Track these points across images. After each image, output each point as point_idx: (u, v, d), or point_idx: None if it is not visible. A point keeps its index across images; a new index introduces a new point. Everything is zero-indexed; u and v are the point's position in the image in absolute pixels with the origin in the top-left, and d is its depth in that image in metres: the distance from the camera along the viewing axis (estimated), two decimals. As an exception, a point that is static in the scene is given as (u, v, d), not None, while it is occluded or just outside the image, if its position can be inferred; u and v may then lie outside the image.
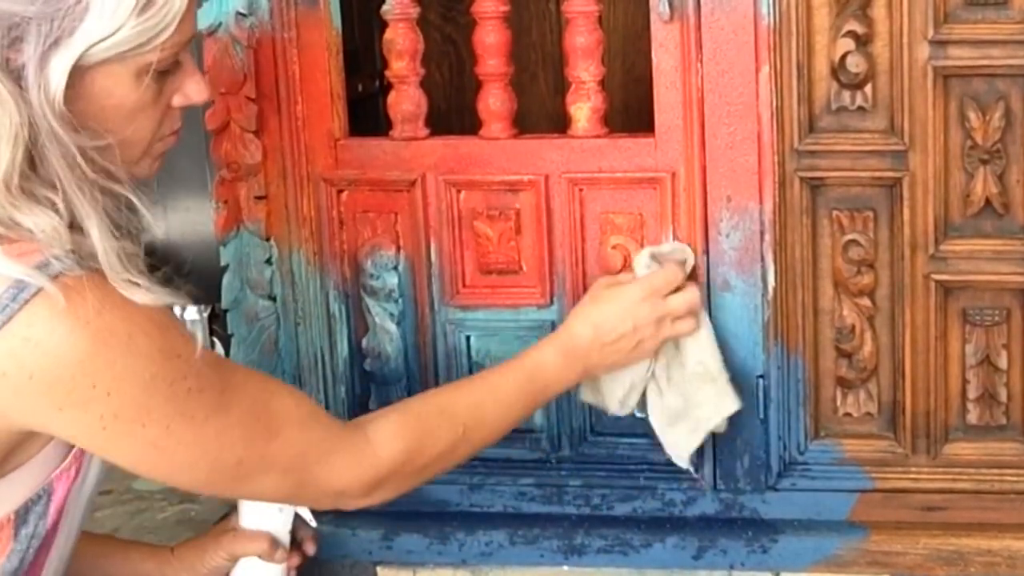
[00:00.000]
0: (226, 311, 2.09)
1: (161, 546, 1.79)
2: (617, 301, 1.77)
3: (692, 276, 1.89)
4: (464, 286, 2.01)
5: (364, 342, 2.07)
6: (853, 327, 1.94)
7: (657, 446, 1.99)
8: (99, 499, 2.51)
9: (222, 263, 2.07)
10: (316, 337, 2.07)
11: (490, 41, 1.96)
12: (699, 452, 1.99)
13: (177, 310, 3.00)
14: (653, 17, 1.87)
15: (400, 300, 2.04)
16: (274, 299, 2.06)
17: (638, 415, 1.91)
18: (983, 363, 1.93)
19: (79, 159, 1.27)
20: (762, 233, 1.91)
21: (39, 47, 1.25)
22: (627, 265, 1.95)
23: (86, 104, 1.30)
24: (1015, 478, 1.94)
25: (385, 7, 1.97)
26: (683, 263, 1.87)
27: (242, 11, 1.96)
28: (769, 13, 1.84)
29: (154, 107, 1.36)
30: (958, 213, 1.88)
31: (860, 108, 1.87)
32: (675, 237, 1.93)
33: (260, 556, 1.75)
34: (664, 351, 1.86)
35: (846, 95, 1.87)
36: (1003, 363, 1.92)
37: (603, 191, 1.95)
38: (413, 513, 2.07)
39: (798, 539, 1.97)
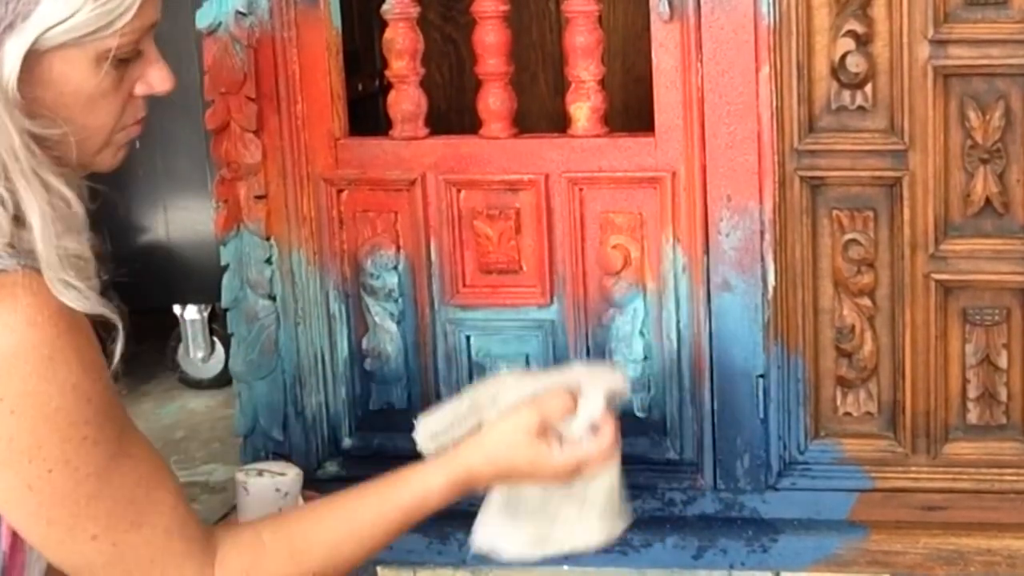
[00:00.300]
0: (226, 311, 2.09)
1: None
2: (532, 460, 1.48)
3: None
4: (464, 286, 2.01)
5: (364, 342, 2.07)
6: (853, 327, 1.94)
7: (658, 445, 1.99)
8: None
9: (222, 263, 2.07)
10: (316, 337, 2.06)
11: (490, 41, 1.96)
12: (699, 451, 1.99)
13: (177, 309, 3.01)
14: (653, 17, 1.88)
15: (400, 300, 2.04)
16: (274, 299, 2.06)
17: None
18: (983, 363, 1.93)
19: (29, 147, 1.22)
20: (762, 233, 1.91)
21: None
22: (627, 265, 1.95)
23: (43, 90, 1.25)
24: (1015, 477, 1.94)
25: (385, 7, 1.97)
26: (612, 394, 1.50)
27: (242, 10, 1.96)
28: (769, 13, 1.84)
29: (115, 95, 1.30)
30: (958, 213, 1.88)
31: (860, 108, 1.87)
32: (675, 237, 1.93)
33: None
34: None
35: (846, 95, 1.87)
36: (1003, 363, 1.92)
37: (603, 191, 1.95)
38: (413, 513, 2.07)
39: (798, 539, 1.97)
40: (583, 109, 1.94)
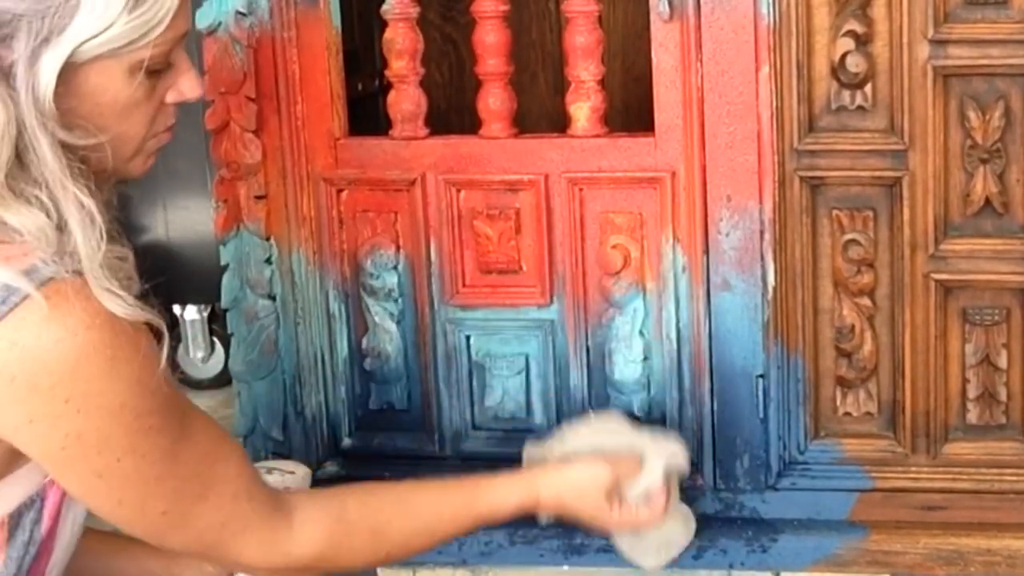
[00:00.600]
0: (226, 311, 2.09)
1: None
2: (594, 514, 1.70)
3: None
4: (464, 285, 2.01)
5: (364, 342, 2.07)
6: (853, 327, 1.94)
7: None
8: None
9: (222, 263, 2.07)
10: (316, 337, 2.06)
11: (490, 40, 1.96)
12: (699, 451, 1.99)
13: (177, 309, 3.01)
14: (653, 17, 1.87)
15: (400, 300, 2.04)
16: (274, 299, 2.06)
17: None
18: (983, 363, 1.93)
19: (67, 158, 1.26)
20: (762, 232, 1.91)
21: (29, 44, 1.23)
22: (627, 265, 1.95)
23: (79, 102, 1.28)
24: (1015, 478, 1.94)
25: (385, 7, 1.97)
26: (670, 468, 1.74)
27: (242, 10, 1.96)
28: (769, 13, 1.84)
29: (148, 104, 1.34)
30: (958, 213, 1.88)
31: (860, 108, 1.87)
32: (675, 237, 1.93)
33: None
34: None
35: (846, 95, 1.87)
36: (1003, 362, 1.92)
37: (603, 191, 1.95)
38: (413, 513, 2.07)
39: (798, 539, 1.97)
40: (583, 109, 1.94)
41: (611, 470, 1.68)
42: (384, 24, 1.99)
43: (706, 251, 1.92)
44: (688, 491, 2.00)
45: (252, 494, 1.42)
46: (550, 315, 2.00)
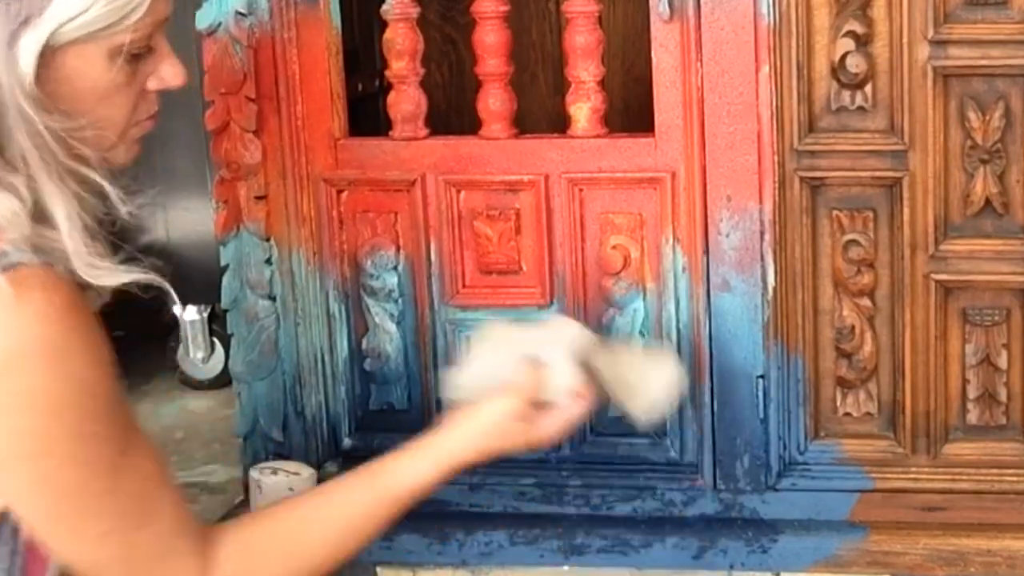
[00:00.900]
0: (226, 311, 2.09)
1: None
2: (527, 440, 1.59)
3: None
4: (464, 286, 2.01)
5: (364, 342, 2.07)
6: (853, 327, 1.94)
7: (657, 445, 1.99)
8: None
9: (222, 263, 2.07)
10: (316, 337, 2.06)
11: (490, 41, 1.96)
12: (699, 452, 1.99)
13: (177, 310, 3.01)
14: (653, 17, 1.88)
15: (400, 300, 2.04)
16: (274, 299, 2.06)
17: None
18: (983, 363, 1.93)
19: (49, 141, 1.24)
20: (762, 233, 1.91)
21: (8, 26, 1.23)
22: (627, 265, 1.95)
23: (57, 85, 1.27)
24: (1015, 478, 1.94)
25: (385, 7, 1.97)
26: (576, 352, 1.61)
27: (242, 11, 1.96)
28: (769, 13, 1.84)
29: (128, 90, 1.33)
30: (958, 213, 1.88)
31: (860, 108, 1.87)
32: (675, 237, 1.93)
33: None
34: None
35: (846, 95, 1.87)
36: (1003, 363, 1.92)
37: (603, 191, 1.95)
38: (413, 513, 2.06)
39: (798, 539, 1.97)
40: (583, 109, 1.94)
41: (517, 394, 1.55)
42: (384, 24, 1.99)
43: (706, 251, 1.92)
44: (688, 491, 2.01)
45: (187, 529, 1.35)
46: (550, 315, 2.00)
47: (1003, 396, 1.93)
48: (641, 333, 1.98)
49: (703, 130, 1.89)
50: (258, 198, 2.02)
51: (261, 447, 2.11)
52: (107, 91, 1.30)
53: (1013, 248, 1.88)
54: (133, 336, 3.33)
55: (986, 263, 1.89)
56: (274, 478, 1.72)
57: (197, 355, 3.03)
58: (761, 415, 1.96)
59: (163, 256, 3.09)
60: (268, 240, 2.04)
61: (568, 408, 1.59)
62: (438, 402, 2.06)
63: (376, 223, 2.02)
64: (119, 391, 1.28)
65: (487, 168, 1.97)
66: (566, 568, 2.02)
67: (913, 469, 1.97)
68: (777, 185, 1.89)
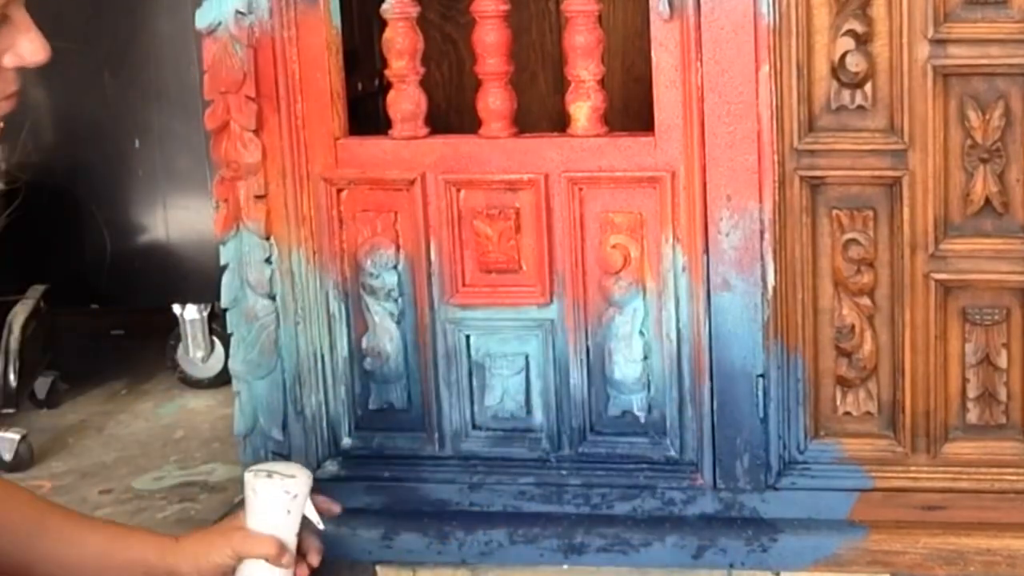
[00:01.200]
0: (226, 310, 2.09)
1: (165, 535, 1.77)
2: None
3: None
4: (464, 285, 2.01)
5: (364, 341, 2.07)
6: (853, 326, 1.94)
7: (657, 444, 2.00)
8: (99, 498, 2.52)
9: (222, 262, 2.07)
10: (316, 336, 2.06)
11: (490, 40, 1.96)
12: (699, 451, 1.99)
13: (177, 308, 3.01)
14: (653, 16, 1.87)
15: (400, 299, 2.04)
16: (274, 298, 2.06)
17: None
18: (983, 362, 1.93)
19: None
20: (762, 232, 1.91)
21: None
22: (627, 264, 1.95)
23: None
24: (1015, 477, 1.94)
25: (385, 6, 1.97)
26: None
27: (241, 10, 1.96)
28: (769, 12, 1.84)
29: None
30: (958, 212, 1.88)
31: (860, 107, 1.87)
32: (675, 236, 1.93)
33: (267, 559, 1.74)
34: None
35: (846, 94, 1.87)
36: (1003, 362, 1.92)
37: (603, 190, 1.95)
38: (413, 512, 2.07)
39: (798, 538, 1.97)
40: (583, 109, 1.94)
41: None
42: (384, 24, 1.99)
43: (706, 251, 1.92)
44: (688, 490, 2.01)
45: None
46: (550, 315, 2.00)
47: (1003, 395, 1.93)
48: (641, 332, 1.98)
49: (703, 129, 1.89)
50: (258, 197, 2.02)
51: (261, 446, 2.10)
52: None
53: (1013, 247, 1.88)
54: (133, 335, 3.35)
55: (986, 262, 1.89)
56: (269, 481, 1.71)
57: (197, 354, 3.03)
58: (761, 414, 1.96)
59: (163, 255, 3.11)
60: (268, 239, 2.04)
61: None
62: (438, 402, 2.06)
63: (376, 222, 2.02)
64: None
65: (487, 167, 1.97)
66: (566, 567, 2.02)
67: (913, 468, 1.97)
68: (777, 184, 1.89)
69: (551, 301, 1.99)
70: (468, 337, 2.04)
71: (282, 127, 2.00)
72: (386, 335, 2.06)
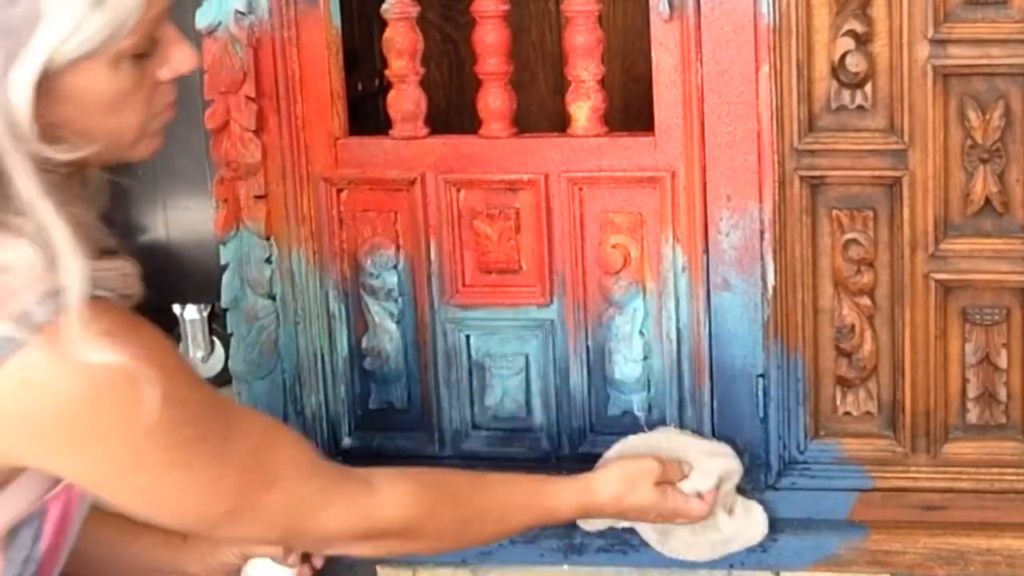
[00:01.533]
0: (226, 310, 2.09)
1: (174, 533, 1.77)
2: (652, 502, 1.81)
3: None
4: (464, 285, 2.01)
5: (364, 341, 2.07)
6: (853, 326, 1.94)
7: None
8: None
9: (222, 262, 2.07)
10: (316, 336, 2.07)
11: (490, 40, 1.96)
12: (699, 451, 1.99)
13: (176, 308, 3.01)
14: (653, 16, 1.88)
15: (400, 299, 2.04)
16: (274, 298, 2.06)
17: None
18: (983, 362, 1.93)
19: (50, 178, 1.18)
20: (762, 232, 1.91)
21: None
22: (627, 264, 1.95)
23: (64, 108, 1.20)
24: (1015, 477, 1.94)
25: (385, 6, 1.97)
26: (723, 475, 1.89)
27: (241, 10, 1.96)
28: (769, 12, 1.84)
29: (139, 89, 1.25)
30: (958, 212, 1.88)
31: (860, 107, 1.87)
32: (675, 236, 1.93)
33: (272, 558, 1.75)
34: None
35: (846, 94, 1.87)
36: (1003, 362, 1.92)
37: (603, 190, 1.95)
38: (413, 512, 2.07)
39: (798, 538, 1.97)
40: (583, 109, 1.94)
41: (659, 463, 1.79)
42: (384, 24, 1.99)
43: (706, 251, 1.92)
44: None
45: (317, 471, 1.41)
46: (550, 315, 2.00)
47: (1003, 395, 1.93)
48: (641, 332, 1.98)
49: (703, 129, 1.89)
50: (258, 197, 2.02)
51: (261, 446, 2.10)
52: (116, 100, 1.24)
53: (1013, 247, 1.88)
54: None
55: (986, 262, 1.89)
56: None
57: (197, 354, 3.03)
58: (761, 414, 1.96)
59: (163, 255, 3.11)
60: (268, 239, 2.04)
61: (691, 502, 1.82)
62: (438, 402, 2.06)
63: (376, 222, 2.02)
64: (199, 385, 1.29)
65: (487, 167, 1.97)
66: (566, 567, 2.02)
67: (913, 468, 1.97)
68: (777, 184, 1.89)
69: (551, 301, 1.99)
70: (468, 337, 2.04)
71: (282, 127, 2.00)
72: (386, 335, 2.06)
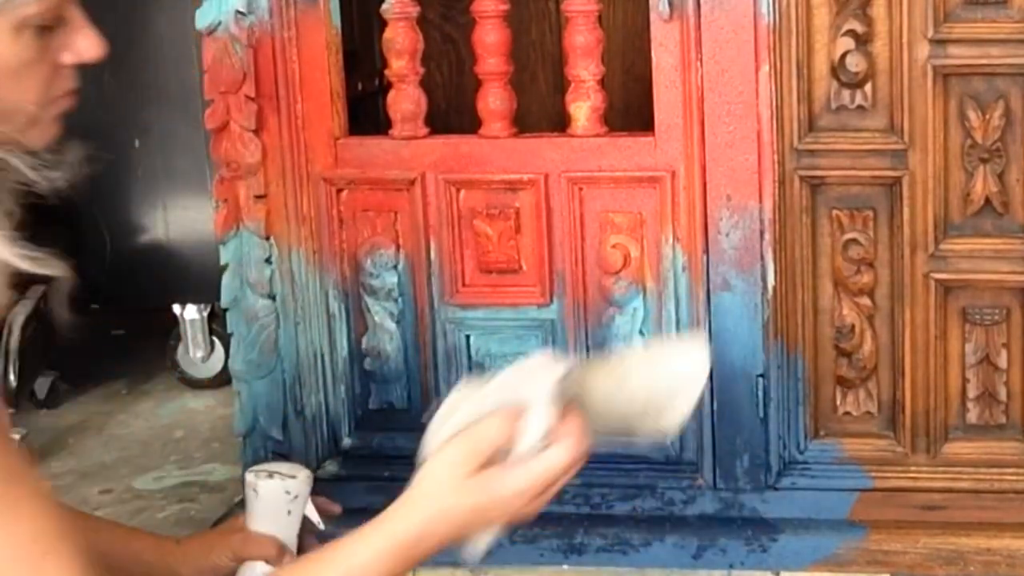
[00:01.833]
0: (226, 310, 2.09)
1: (166, 537, 1.77)
2: (488, 497, 1.30)
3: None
4: (464, 285, 2.01)
5: (364, 341, 2.07)
6: (853, 326, 1.94)
7: (657, 444, 1.99)
8: (99, 498, 2.52)
9: (222, 262, 2.07)
10: (316, 336, 2.06)
11: (490, 40, 1.96)
12: (699, 451, 1.99)
13: (176, 308, 3.01)
14: (653, 16, 1.88)
15: (400, 299, 2.04)
16: (274, 298, 2.06)
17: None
18: (983, 362, 1.93)
19: None
20: (762, 232, 1.91)
21: None
22: (627, 264, 1.95)
23: None
24: (1014, 477, 1.94)
25: (385, 6, 1.98)
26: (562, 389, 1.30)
27: (241, 10, 1.96)
28: (769, 12, 1.84)
29: (40, 65, 1.22)
30: (958, 212, 1.88)
31: (860, 107, 1.87)
32: (675, 236, 1.93)
33: (267, 561, 1.74)
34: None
35: (846, 94, 1.87)
36: (1003, 362, 1.92)
37: (603, 190, 1.95)
38: (413, 512, 2.07)
39: (798, 538, 1.97)
40: (583, 108, 1.94)
41: (467, 443, 1.31)
42: (384, 24, 1.99)
43: (706, 251, 1.92)
44: (688, 490, 2.01)
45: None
46: (550, 315, 2.00)
47: (1003, 395, 1.93)
48: (641, 332, 1.98)
49: (703, 129, 1.89)
50: (258, 197, 2.02)
51: (261, 446, 2.11)
52: (16, 69, 1.21)
53: (1013, 247, 1.88)
54: (133, 335, 3.35)
55: (986, 262, 1.89)
56: (269, 482, 1.72)
57: (197, 354, 3.03)
58: (761, 414, 1.96)
59: (163, 255, 3.11)
60: (268, 239, 2.04)
61: (548, 455, 1.28)
62: (438, 402, 2.06)
63: (376, 222, 2.02)
64: (5, 445, 1.16)
65: (487, 167, 1.97)
66: (565, 567, 2.02)
67: (913, 468, 1.97)
68: (777, 184, 1.89)
69: (551, 301, 1.99)
70: (468, 337, 2.04)
71: (282, 127, 2.00)
72: (386, 335, 2.06)
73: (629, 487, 2.03)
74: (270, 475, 1.72)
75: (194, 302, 2.99)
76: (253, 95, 1.98)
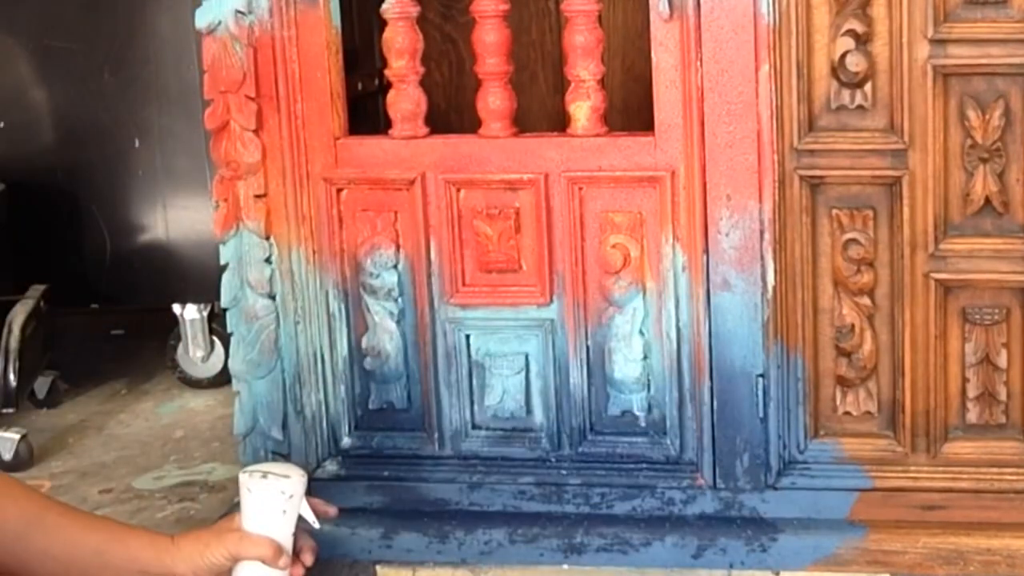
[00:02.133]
0: (226, 310, 2.09)
1: (162, 534, 1.77)
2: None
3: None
4: (464, 285, 2.01)
5: (364, 341, 2.07)
6: (853, 326, 1.94)
7: (657, 444, 2.00)
8: (99, 498, 2.52)
9: (222, 262, 2.07)
10: (316, 336, 2.06)
11: (489, 40, 1.96)
12: (699, 450, 1.99)
13: (176, 308, 3.01)
14: (653, 16, 1.88)
15: (400, 299, 2.04)
16: (273, 298, 2.06)
17: None
18: (983, 362, 1.93)
19: None
20: (762, 232, 1.91)
21: None
22: (627, 264, 1.95)
23: None
24: (1014, 477, 1.94)
25: (385, 6, 1.98)
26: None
27: (241, 9, 1.96)
28: (769, 12, 1.84)
29: None
30: (958, 212, 1.88)
31: (860, 107, 1.87)
32: (675, 236, 1.93)
33: (263, 561, 1.74)
34: None
35: (846, 94, 1.87)
36: (1003, 362, 1.92)
37: (603, 190, 1.95)
38: (413, 512, 2.07)
39: (798, 538, 1.97)
40: (583, 108, 1.94)
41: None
42: (384, 23, 1.99)
43: (706, 250, 1.92)
44: (688, 490, 2.01)
45: None
46: (550, 314, 2.00)
47: (1003, 395, 1.93)
48: (641, 332, 1.98)
49: (703, 129, 1.89)
50: (258, 197, 2.02)
51: (260, 446, 2.10)
52: None
53: (1013, 247, 1.88)
54: (133, 335, 3.35)
55: (986, 262, 1.89)
56: (264, 482, 1.72)
57: (197, 354, 3.04)
58: (761, 414, 1.96)
59: (163, 255, 3.12)
60: (268, 239, 2.04)
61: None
62: (438, 401, 2.06)
63: (376, 222, 2.02)
64: None
65: (487, 167, 1.97)
66: (565, 567, 2.02)
67: (912, 468, 1.97)
68: (777, 184, 1.90)
69: (551, 301, 1.99)
70: (468, 337, 2.04)
71: (282, 127, 2.00)
72: (386, 335, 2.06)
73: (629, 487, 2.03)
74: (264, 475, 1.73)
75: (194, 302, 2.99)
76: (253, 95, 1.98)
